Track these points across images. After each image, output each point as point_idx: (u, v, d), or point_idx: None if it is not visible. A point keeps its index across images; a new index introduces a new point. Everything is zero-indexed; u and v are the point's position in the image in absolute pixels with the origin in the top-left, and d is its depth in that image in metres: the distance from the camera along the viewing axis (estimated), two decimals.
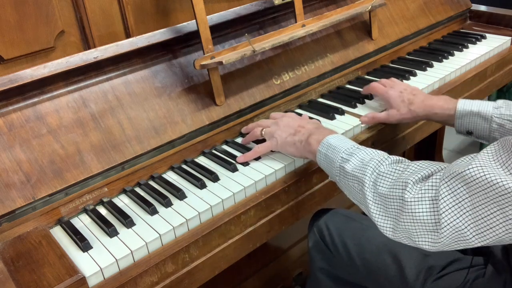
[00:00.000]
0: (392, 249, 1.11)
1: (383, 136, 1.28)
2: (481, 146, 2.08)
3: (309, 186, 1.13)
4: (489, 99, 1.96)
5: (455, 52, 1.64)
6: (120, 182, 1.08)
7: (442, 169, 0.80)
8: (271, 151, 1.16)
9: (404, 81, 1.46)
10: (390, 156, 0.90)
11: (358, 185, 0.90)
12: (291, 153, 1.10)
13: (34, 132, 1.00)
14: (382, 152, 0.93)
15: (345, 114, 1.31)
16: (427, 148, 2.32)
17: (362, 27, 1.55)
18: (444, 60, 1.59)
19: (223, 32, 1.27)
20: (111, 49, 1.09)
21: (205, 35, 1.16)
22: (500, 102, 1.13)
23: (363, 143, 1.22)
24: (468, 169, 0.73)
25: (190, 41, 1.22)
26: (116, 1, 1.16)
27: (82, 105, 1.06)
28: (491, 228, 0.73)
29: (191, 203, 1.01)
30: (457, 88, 1.48)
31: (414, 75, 1.50)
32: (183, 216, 0.97)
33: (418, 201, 0.79)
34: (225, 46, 1.27)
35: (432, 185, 0.78)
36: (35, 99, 1.02)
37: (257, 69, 1.31)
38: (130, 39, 1.13)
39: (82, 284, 0.82)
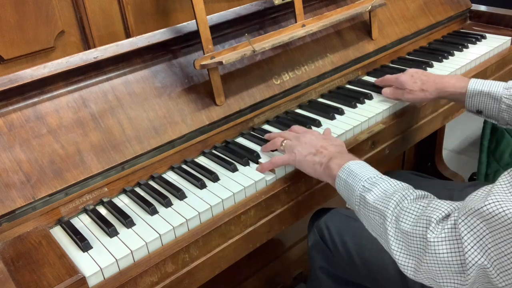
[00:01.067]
0: None
1: (383, 136, 1.28)
2: (481, 147, 2.07)
3: (309, 186, 1.13)
4: None
5: (455, 52, 1.64)
6: (120, 182, 1.08)
7: (459, 207, 0.77)
8: (272, 150, 1.16)
9: None
10: (415, 190, 0.86)
11: (379, 218, 0.86)
12: (308, 173, 1.04)
13: (34, 132, 1.00)
14: (406, 184, 0.89)
15: (345, 114, 1.31)
16: (427, 148, 2.32)
17: (362, 27, 1.55)
18: (444, 60, 1.59)
19: (223, 32, 1.27)
20: (111, 49, 1.09)
21: (205, 35, 1.16)
22: (511, 82, 1.14)
23: (363, 143, 1.22)
24: (485, 205, 0.70)
25: (190, 41, 1.22)
26: (116, 1, 1.16)
27: (82, 105, 1.06)
28: None
29: (191, 203, 1.01)
30: None
31: None
32: (183, 216, 0.97)
33: (441, 241, 0.75)
34: (225, 46, 1.27)
35: (452, 224, 0.75)
36: (35, 99, 1.02)
37: (257, 69, 1.31)
38: (130, 39, 1.13)
39: (82, 284, 0.82)
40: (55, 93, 1.04)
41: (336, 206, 1.32)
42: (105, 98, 1.09)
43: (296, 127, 1.18)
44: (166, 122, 1.14)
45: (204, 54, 1.16)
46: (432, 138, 2.27)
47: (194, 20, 1.14)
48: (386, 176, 0.92)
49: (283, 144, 1.10)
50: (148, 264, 0.88)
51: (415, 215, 0.81)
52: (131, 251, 0.89)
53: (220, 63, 1.15)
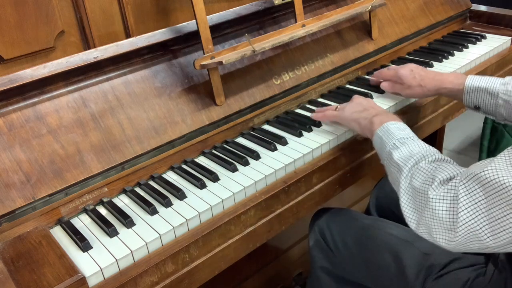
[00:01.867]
0: (392, 248, 1.11)
1: None
2: (481, 147, 2.08)
3: (309, 186, 1.13)
4: None
5: (455, 52, 1.64)
6: (120, 182, 1.08)
7: (462, 171, 0.83)
8: (272, 150, 1.16)
9: None
10: (437, 153, 0.93)
11: (397, 173, 0.93)
12: (353, 127, 1.15)
13: (34, 132, 1.00)
14: (433, 149, 0.95)
15: None
16: None
17: (362, 27, 1.55)
18: (444, 60, 1.59)
19: (223, 32, 1.27)
20: (111, 49, 1.09)
21: (205, 35, 1.16)
22: (508, 78, 1.16)
23: (362, 143, 1.22)
24: (484, 171, 0.76)
25: (190, 41, 1.22)
26: (116, 1, 1.16)
27: (82, 105, 1.06)
28: (505, 230, 0.74)
29: (191, 203, 1.01)
30: None
31: None
32: (183, 216, 0.97)
33: (439, 199, 0.82)
34: (225, 46, 1.27)
35: (453, 186, 0.81)
36: (35, 99, 1.02)
37: (257, 69, 1.31)
38: (130, 39, 1.13)
39: (82, 284, 0.82)
40: (55, 93, 1.04)
41: (337, 206, 1.32)
42: (105, 98, 1.09)
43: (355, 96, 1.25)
44: (166, 122, 1.14)
45: (204, 54, 1.16)
46: (432, 138, 2.27)
47: (194, 20, 1.14)
48: (418, 139, 0.99)
49: (338, 108, 1.21)
50: (148, 264, 0.88)
51: (426, 174, 0.88)
52: (131, 251, 0.89)
53: (220, 63, 1.15)
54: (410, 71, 1.28)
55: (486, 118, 2.02)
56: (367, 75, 1.55)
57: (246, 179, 1.07)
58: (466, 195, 0.78)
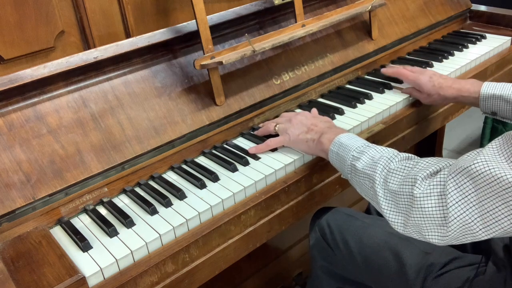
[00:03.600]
0: (393, 247, 1.12)
1: (383, 137, 1.28)
2: (481, 147, 2.07)
3: (309, 186, 1.13)
4: None
5: (455, 52, 1.64)
6: (120, 182, 1.08)
7: (450, 165, 0.82)
8: (272, 150, 1.16)
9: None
10: (400, 153, 0.93)
11: (369, 182, 0.92)
12: (303, 150, 1.12)
13: (34, 132, 1.00)
14: (392, 149, 0.95)
15: (345, 114, 1.31)
16: (427, 148, 2.32)
17: (362, 27, 1.55)
18: (444, 60, 1.59)
19: (223, 32, 1.27)
20: (111, 49, 1.09)
21: (205, 35, 1.16)
22: None
23: None
24: (473, 163, 0.75)
25: (190, 41, 1.22)
26: (116, 1, 1.16)
27: (82, 105, 1.06)
28: (497, 221, 0.75)
29: (191, 203, 1.01)
30: None
31: None
32: (183, 216, 0.97)
33: (426, 196, 0.81)
34: (225, 46, 1.27)
35: (440, 181, 0.80)
36: (35, 99, 1.02)
37: (257, 69, 1.31)
38: (130, 39, 1.13)
39: (82, 284, 0.82)
40: (55, 93, 1.04)
41: (337, 206, 1.32)
42: (105, 98, 1.09)
43: (285, 113, 1.25)
44: (166, 122, 1.14)
45: (204, 54, 1.16)
46: (432, 138, 2.27)
47: (194, 20, 1.14)
48: (373, 144, 0.99)
49: (276, 128, 1.18)
50: (148, 264, 0.88)
51: (402, 175, 0.87)
52: (131, 251, 0.89)
53: (220, 63, 1.15)
54: (429, 79, 1.31)
55: (486, 118, 2.02)
56: (367, 75, 1.55)
57: (246, 179, 1.07)
58: (455, 189, 0.77)
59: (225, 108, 1.22)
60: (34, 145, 0.99)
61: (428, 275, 1.05)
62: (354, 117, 1.29)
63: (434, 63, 1.57)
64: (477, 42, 1.70)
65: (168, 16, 1.25)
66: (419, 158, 0.91)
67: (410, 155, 0.93)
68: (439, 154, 2.35)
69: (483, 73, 1.56)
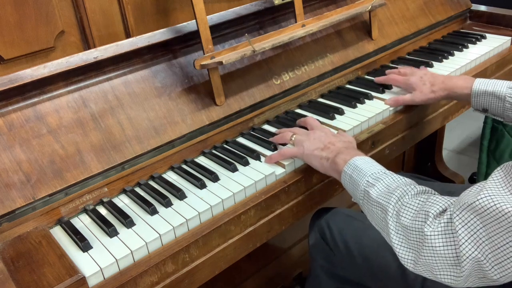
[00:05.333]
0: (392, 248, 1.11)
1: (383, 137, 1.28)
2: (481, 147, 2.07)
3: (309, 186, 1.13)
4: None
5: (455, 52, 1.64)
6: (120, 182, 1.08)
7: (454, 202, 0.79)
8: (272, 150, 1.16)
9: None
10: (416, 186, 0.88)
11: (381, 213, 0.88)
12: (315, 167, 1.08)
13: (34, 132, 1.00)
14: (409, 180, 0.91)
15: (345, 114, 1.31)
16: (427, 148, 2.32)
17: (362, 27, 1.55)
18: (444, 60, 1.59)
19: (223, 32, 1.27)
20: (111, 49, 1.09)
21: (205, 35, 1.16)
22: None
23: (363, 143, 1.22)
24: (478, 200, 0.73)
25: (190, 41, 1.22)
26: (116, 1, 1.16)
27: (82, 105, 1.06)
28: (509, 258, 0.71)
29: (191, 203, 1.01)
30: None
31: None
32: (183, 216, 0.97)
33: (437, 235, 0.77)
34: (225, 46, 1.27)
35: (448, 219, 0.77)
36: (35, 99, 1.02)
37: (257, 69, 1.31)
38: (130, 39, 1.13)
39: (82, 284, 0.82)
40: (55, 93, 1.04)
41: (337, 206, 1.32)
42: (105, 98, 1.09)
43: (309, 119, 1.21)
44: (166, 122, 1.14)
45: (204, 54, 1.16)
46: (432, 138, 2.27)
47: (194, 20, 1.14)
48: (390, 172, 0.94)
49: (293, 138, 1.14)
50: (148, 264, 0.88)
51: (415, 210, 0.83)
52: (131, 251, 0.89)
53: (220, 63, 1.15)
54: (420, 78, 1.31)
55: (486, 118, 2.02)
56: (367, 75, 1.55)
57: (246, 179, 1.07)
58: (463, 226, 0.74)
59: (225, 108, 1.22)
60: (34, 145, 0.99)
61: None
62: (354, 117, 1.29)
63: (434, 63, 1.57)
64: (477, 42, 1.70)
65: (168, 16, 1.25)
66: (432, 191, 0.88)
67: (426, 188, 0.88)
68: (439, 154, 2.35)
69: (483, 73, 1.56)
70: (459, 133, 2.93)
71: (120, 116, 1.09)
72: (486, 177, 2.01)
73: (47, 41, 1.08)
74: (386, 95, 1.39)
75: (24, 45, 1.04)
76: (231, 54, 1.19)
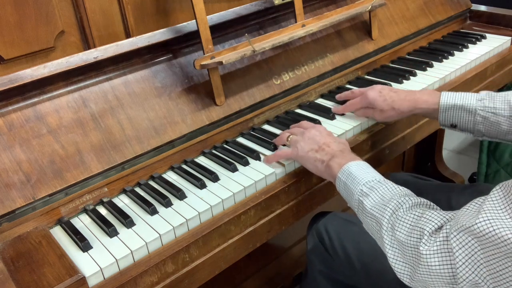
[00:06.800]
0: None
1: (383, 137, 1.28)
2: (481, 147, 2.07)
3: (309, 186, 1.13)
4: None
5: (455, 52, 1.64)
6: (120, 182, 1.08)
7: (451, 219, 0.77)
8: (272, 150, 1.16)
9: (404, 81, 1.46)
10: (411, 198, 0.86)
11: (376, 225, 0.87)
12: (309, 169, 1.06)
13: (34, 132, 1.00)
14: (404, 190, 0.89)
15: (345, 114, 1.31)
16: (427, 148, 2.32)
17: (362, 27, 1.55)
18: (444, 60, 1.59)
19: (223, 32, 1.27)
20: (111, 49, 1.09)
21: (205, 35, 1.16)
22: (483, 93, 1.12)
23: (362, 143, 1.22)
24: (476, 223, 0.70)
25: (190, 41, 1.22)
26: (116, 1, 1.16)
27: (82, 105, 1.06)
28: (508, 282, 0.69)
29: (191, 203, 1.01)
30: (457, 88, 1.48)
31: (414, 75, 1.50)
32: (183, 216, 0.97)
33: (433, 254, 0.76)
34: (225, 46, 1.27)
35: (444, 237, 0.75)
36: (35, 99, 1.02)
37: (257, 69, 1.31)
38: (130, 39, 1.13)
39: (82, 284, 0.82)
40: (55, 93, 1.04)
41: (335, 210, 1.32)
42: (105, 98, 1.09)
43: (303, 123, 1.19)
44: (166, 122, 1.14)
45: (204, 54, 1.16)
46: (432, 138, 2.27)
47: (194, 20, 1.14)
48: (384, 179, 0.92)
49: (289, 139, 1.12)
50: (148, 264, 0.88)
51: (409, 225, 0.81)
52: (131, 251, 0.89)
53: (220, 63, 1.15)
54: (379, 93, 1.20)
55: None
56: (367, 75, 1.55)
57: (246, 179, 1.07)
58: (460, 248, 0.72)
59: (225, 108, 1.22)
60: (34, 145, 0.99)
61: None
62: (354, 117, 1.29)
63: (434, 63, 1.57)
64: (477, 42, 1.70)
65: (168, 16, 1.25)
66: (427, 203, 0.85)
67: (421, 200, 0.86)
68: (439, 154, 2.35)
69: (483, 73, 1.56)
70: (459, 133, 2.92)
71: (120, 116, 1.09)
72: (486, 177, 2.01)
73: (47, 41, 1.08)
74: None
75: (24, 45, 1.04)
76: (231, 54, 1.19)
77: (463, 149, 2.84)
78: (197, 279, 0.97)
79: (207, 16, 1.15)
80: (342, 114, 1.30)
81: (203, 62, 1.16)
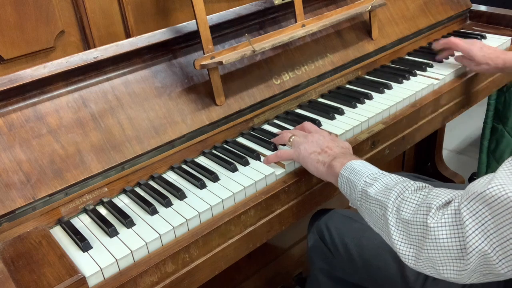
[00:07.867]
0: (392, 249, 1.11)
1: (383, 137, 1.28)
2: (481, 147, 2.07)
3: (309, 186, 1.13)
4: (488, 99, 1.96)
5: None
6: (120, 182, 1.08)
7: (461, 194, 0.77)
8: (273, 150, 1.16)
9: (404, 81, 1.46)
10: (416, 182, 0.87)
11: (380, 210, 0.87)
12: (311, 171, 1.06)
13: (34, 132, 1.00)
14: (407, 179, 0.90)
15: (345, 114, 1.31)
16: (427, 148, 2.32)
17: (362, 27, 1.55)
18: (444, 60, 1.59)
19: (223, 32, 1.27)
20: (111, 49, 1.09)
21: (205, 35, 1.16)
22: None
23: (363, 143, 1.22)
24: (488, 188, 0.70)
25: (190, 41, 1.22)
26: (116, 1, 1.16)
27: (82, 105, 1.06)
28: None
29: (191, 203, 1.01)
30: (456, 89, 1.48)
31: (414, 75, 1.50)
32: (183, 216, 0.97)
33: (442, 226, 0.75)
34: (225, 46, 1.27)
35: (454, 209, 0.75)
36: (35, 99, 1.02)
37: (257, 69, 1.31)
38: (130, 39, 1.13)
39: (82, 284, 0.82)
40: (55, 93, 1.04)
41: (336, 207, 1.32)
42: (105, 98, 1.09)
43: (307, 124, 1.19)
44: (166, 122, 1.14)
45: (204, 54, 1.16)
46: (432, 138, 2.27)
47: (194, 20, 1.14)
48: (388, 172, 0.93)
49: (291, 140, 1.13)
50: (148, 264, 0.88)
51: (416, 204, 0.82)
52: (131, 251, 0.89)
53: (220, 63, 1.15)
54: (479, 49, 1.43)
55: (486, 118, 2.02)
56: (367, 75, 1.55)
57: (246, 179, 1.07)
58: (470, 217, 0.72)
59: (225, 108, 1.22)
60: (34, 145, 0.99)
61: (428, 277, 1.05)
62: (354, 117, 1.29)
63: (434, 63, 1.57)
64: None
65: (168, 16, 1.25)
66: (431, 186, 0.86)
67: (425, 184, 0.87)
68: (439, 154, 2.35)
69: (483, 73, 1.56)
70: (459, 133, 2.93)
71: (120, 116, 1.09)
72: None
73: (47, 41, 1.08)
74: (386, 95, 1.39)
75: (24, 45, 1.04)
76: (231, 54, 1.19)
77: (463, 149, 2.84)
78: (197, 279, 0.97)
79: (207, 16, 1.15)
80: (342, 114, 1.30)
81: (203, 62, 1.16)
